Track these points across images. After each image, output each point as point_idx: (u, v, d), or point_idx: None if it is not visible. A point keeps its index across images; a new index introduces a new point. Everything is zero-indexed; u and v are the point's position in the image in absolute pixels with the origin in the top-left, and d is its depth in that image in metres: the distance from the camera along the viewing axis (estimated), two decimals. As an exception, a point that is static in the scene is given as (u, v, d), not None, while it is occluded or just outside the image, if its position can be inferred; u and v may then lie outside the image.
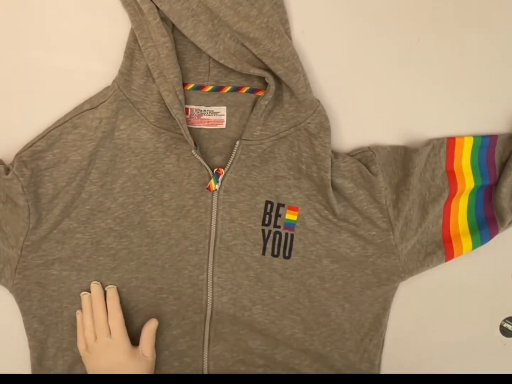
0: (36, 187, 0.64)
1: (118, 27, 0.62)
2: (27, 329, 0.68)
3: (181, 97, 0.60)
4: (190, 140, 0.62)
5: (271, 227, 0.68)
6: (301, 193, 0.67)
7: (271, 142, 0.65)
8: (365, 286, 0.70)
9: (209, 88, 0.64)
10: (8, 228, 0.65)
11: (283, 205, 0.67)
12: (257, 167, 0.66)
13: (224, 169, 0.65)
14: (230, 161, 0.65)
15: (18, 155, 0.63)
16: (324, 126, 0.64)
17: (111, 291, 0.67)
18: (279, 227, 0.68)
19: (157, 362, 0.69)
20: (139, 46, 0.60)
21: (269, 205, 0.67)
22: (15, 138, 0.64)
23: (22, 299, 0.67)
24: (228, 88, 0.64)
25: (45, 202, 0.64)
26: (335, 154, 0.66)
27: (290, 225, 0.68)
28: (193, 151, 0.63)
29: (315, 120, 0.63)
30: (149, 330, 0.67)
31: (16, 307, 0.67)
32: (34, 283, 0.67)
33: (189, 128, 0.63)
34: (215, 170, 0.65)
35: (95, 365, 0.66)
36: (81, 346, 0.67)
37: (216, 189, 0.65)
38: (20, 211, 0.63)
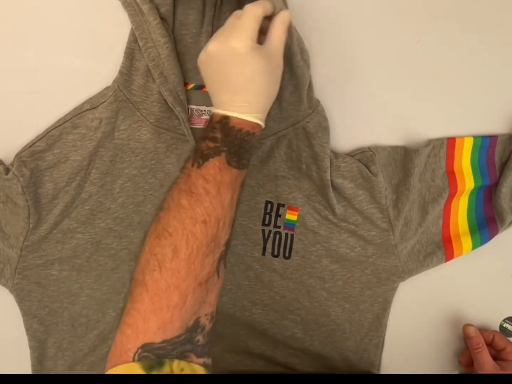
0: (36, 187, 0.63)
1: (118, 27, 0.62)
2: (27, 329, 0.68)
3: (182, 97, 0.60)
4: (192, 139, 0.62)
5: (271, 227, 0.68)
6: (301, 193, 0.67)
7: (270, 141, 0.65)
8: (365, 286, 0.70)
9: (209, 88, 0.64)
10: (8, 228, 0.65)
11: (283, 205, 0.67)
12: (257, 167, 0.66)
13: None
14: None
15: (18, 155, 0.63)
16: (322, 126, 0.64)
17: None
18: (279, 227, 0.68)
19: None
20: (139, 46, 0.59)
21: (269, 205, 0.67)
22: (15, 138, 0.64)
23: (22, 299, 0.67)
24: (228, 88, 0.64)
25: (45, 202, 0.64)
26: (335, 154, 0.66)
27: (290, 225, 0.68)
28: None
29: (313, 120, 0.63)
30: (282, 21, 0.53)
31: (16, 307, 0.68)
32: (34, 283, 0.67)
33: (190, 128, 0.63)
34: (215, 170, 0.65)
35: (205, 54, 0.53)
36: None
37: (216, 189, 0.65)
38: (20, 211, 0.63)
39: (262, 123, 0.53)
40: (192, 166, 0.50)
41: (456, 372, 0.77)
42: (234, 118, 0.51)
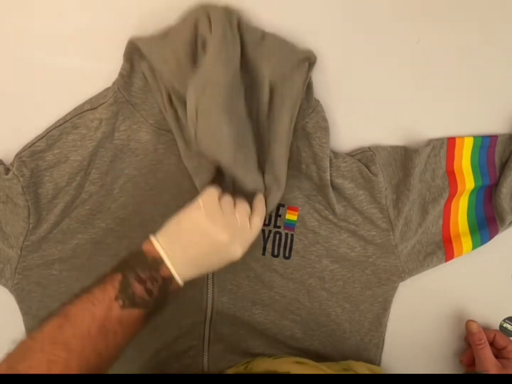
0: (36, 187, 0.64)
1: (118, 28, 0.62)
2: (27, 329, 0.68)
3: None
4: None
5: (271, 227, 0.68)
6: (301, 193, 0.67)
7: None
8: (365, 286, 0.71)
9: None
10: (8, 228, 0.65)
11: (283, 205, 0.67)
12: None
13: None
14: None
15: (18, 155, 0.63)
16: (321, 126, 0.64)
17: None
18: (279, 227, 0.68)
19: (157, 362, 0.69)
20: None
21: (269, 205, 0.67)
22: (15, 138, 0.64)
23: (22, 299, 0.67)
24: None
25: (45, 202, 0.64)
26: (335, 154, 0.66)
27: (290, 225, 0.68)
28: None
29: (312, 120, 0.63)
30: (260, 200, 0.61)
31: (16, 307, 0.67)
32: (34, 283, 0.67)
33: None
34: (214, 171, 0.65)
35: (210, 237, 0.56)
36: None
37: (216, 190, 0.65)
38: (20, 211, 0.63)
39: None
40: (116, 299, 0.51)
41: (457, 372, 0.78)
42: (174, 285, 0.55)
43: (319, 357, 0.72)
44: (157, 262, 0.54)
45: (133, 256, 0.54)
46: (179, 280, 0.55)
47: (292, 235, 0.68)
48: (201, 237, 0.55)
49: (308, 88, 0.62)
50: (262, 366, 0.64)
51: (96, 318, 0.50)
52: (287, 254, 0.68)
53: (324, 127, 0.64)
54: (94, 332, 0.49)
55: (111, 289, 0.51)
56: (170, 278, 0.54)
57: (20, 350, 0.48)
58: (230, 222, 0.56)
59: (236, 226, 0.56)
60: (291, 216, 0.67)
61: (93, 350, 0.49)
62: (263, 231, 0.67)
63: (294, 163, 0.66)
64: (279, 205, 0.67)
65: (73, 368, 0.47)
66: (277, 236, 0.68)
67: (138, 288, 0.52)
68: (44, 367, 0.46)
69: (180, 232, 0.56)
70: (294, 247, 0.68)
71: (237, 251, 0.56)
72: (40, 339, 0.48)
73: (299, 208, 0.67)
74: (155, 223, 0.66)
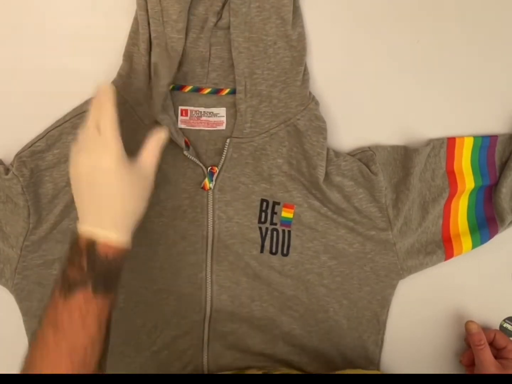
0: (36, 187, 0.64)
1: (118, 28, 0.62)
2: (27, 329, 0.68)
3: (168, 101, 0.61)
4: (180, 142, 0.63)
5: (267, 224, 0.67)
6: (296, 190, 0.67)
7: (262, 139, 0.65)
8: (363, 283, 0.70)
9: (207, 90, 0.64)
10: (8, 228, 0.65)
11: (278, 203, 0.67)
12: (250, 165, 0.66)
13: (217, 167, 0.65)
14: (222, 159, 0.65)
15: (18, 155, 0.63)
16: (312, 125, 0.64)
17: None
18: (275, 224, 0.68)
19: (157, 362, 0.69)
20: (138, 49, 0.60)
21: (264, 203, 0.67)
22: (15, 138, 0.64)
23: (22, 299, 0.67)
24: (227, 91, 0.64)
25: (45, 202, 0.64)
26: (336, 153, 0.66)
27: (286, 222, 0.68)
28: (185, 152, 0.63)
29: (305, 117, 0.63)
30: (158, 139, 0.56)
31: (16, 307, 0.68)
32: (34, 283, 0.67)
33: (189, 129, 0.64)
34: (209, 168, 0.65)
35: (74, 169, 0.54)
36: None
37: (210, 188, 0.65)
38: (20, 211, 0.63)
39: (128, 246, 0.54)
40: (60, 295, 0.50)
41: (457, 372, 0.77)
42: (101, 245, 0.51)
43: (317, 355, 0.72)
44: (73, 238, 0.53)
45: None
46: (100, 239, 0.51)
47: (289, 231, 0.68)
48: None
49: (302, 85, 0.62)
50: None
51: (49, 322, 0.50)
52: (285, 251, 0.68)
53: (316, 126, 0.64)
54: (51, 339, 0.49)
55: (56, 291, 0.51)
56: (90, 243, 0.51)
57: None
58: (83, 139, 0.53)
59: (85, 139, 0.53)
60: (286, 213, 0.67)
61: (57, 354, 0.49)
62: (259, 229, 0.67)
63: (285, 160, 0.66)
64: (274, 203, 0.67)
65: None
66: (275, 233, 0.68)
67: (69, 271, 0.51)
68: None
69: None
70: (292, 243, 0.68)
71: (83, 158, 0.53)
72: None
73: (295, 206, 0.67)
74: (152, 223, 0.66)
